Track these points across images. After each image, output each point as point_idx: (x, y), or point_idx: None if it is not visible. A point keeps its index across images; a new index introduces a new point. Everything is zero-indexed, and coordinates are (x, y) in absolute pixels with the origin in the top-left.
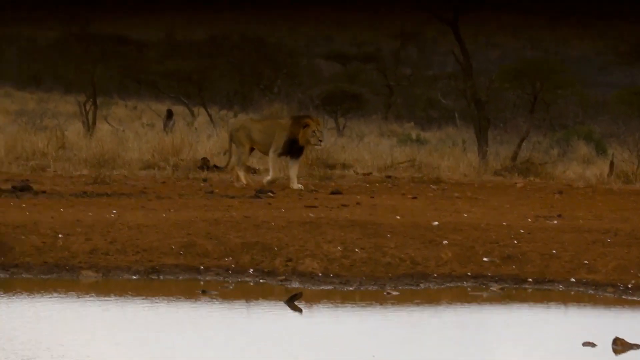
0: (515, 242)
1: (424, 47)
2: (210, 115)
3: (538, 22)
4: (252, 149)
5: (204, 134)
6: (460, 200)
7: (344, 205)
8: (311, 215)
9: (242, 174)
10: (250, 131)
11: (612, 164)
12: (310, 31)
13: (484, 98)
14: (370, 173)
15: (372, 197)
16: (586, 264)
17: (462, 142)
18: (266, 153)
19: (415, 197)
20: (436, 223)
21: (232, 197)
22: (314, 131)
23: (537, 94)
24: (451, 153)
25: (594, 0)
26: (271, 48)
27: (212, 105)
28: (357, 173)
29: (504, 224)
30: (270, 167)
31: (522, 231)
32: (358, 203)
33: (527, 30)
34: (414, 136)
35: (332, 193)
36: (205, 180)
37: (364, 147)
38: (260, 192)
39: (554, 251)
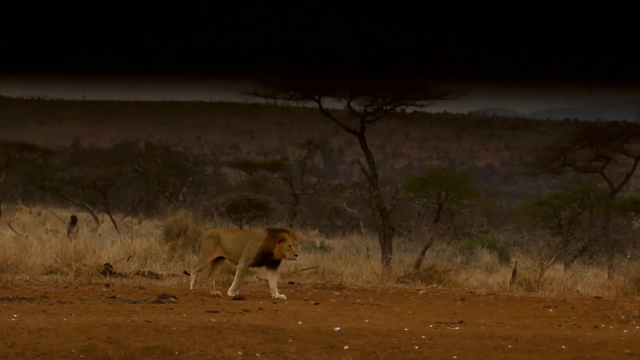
0: (416, 347)
1: (330, 156)
2: (114, 222)
3: (444, 132)
4: (221, 259)
5: (107, 240)
6: (363, 306)
7: (246, 311)
8: (213, 320)
9: (193, 279)
10: (221, 240)
11: (514, 271)
12: (216, 139)
13: (389, 207)
14: None
15: (275, 303)
16: None
17: (366, 250)
18: (236, 262)
19: (317, 303)
20: (338, 328)
21: (134, 302)
22: (290, 245)
23: (442, 203)
24: (354, 260)
25: (499, 111)
26: (177, 156)
27: (116, 212)
28: (260, 279)
29: (406, 329)
30: (236, 276)
31: (423, 337)
32: (260, 308)
33: (433, 141)
34: (318, 244)
35: (234, 299)
36: (107, 285)
37: None
38: (163, 297)
39: (455, 357)
